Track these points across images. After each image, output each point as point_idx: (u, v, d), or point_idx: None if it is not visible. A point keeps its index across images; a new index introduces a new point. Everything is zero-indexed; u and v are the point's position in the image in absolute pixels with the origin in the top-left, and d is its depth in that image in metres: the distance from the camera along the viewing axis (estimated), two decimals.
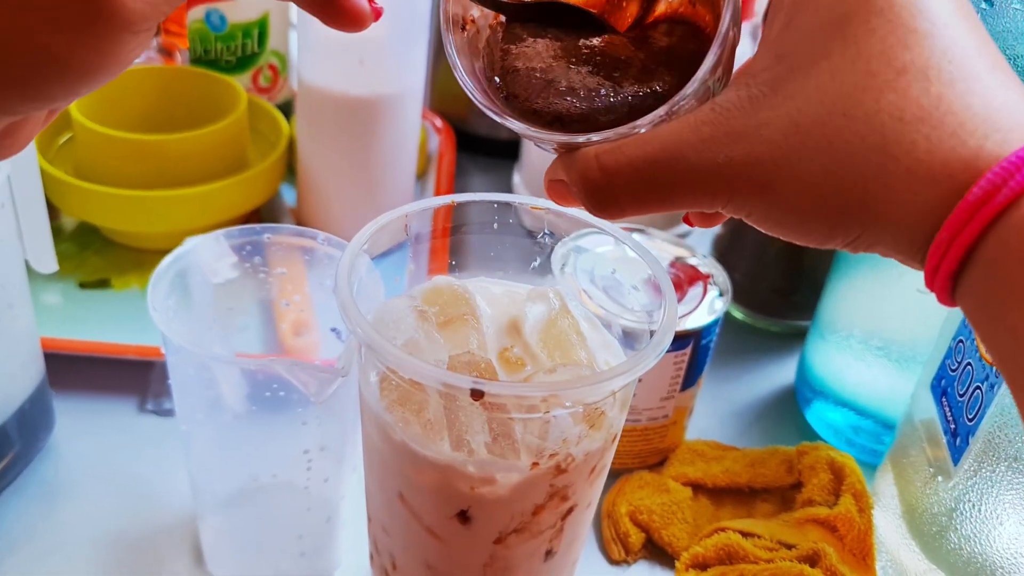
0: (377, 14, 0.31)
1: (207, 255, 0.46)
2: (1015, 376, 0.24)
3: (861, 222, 0.26)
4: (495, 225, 0.43)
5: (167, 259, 0.44)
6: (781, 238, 0.28)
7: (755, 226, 0.29)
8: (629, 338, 0.42)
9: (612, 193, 0.29)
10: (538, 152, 0.66)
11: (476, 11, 0.33)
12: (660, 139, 0.28)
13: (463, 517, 0.37)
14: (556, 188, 0.31)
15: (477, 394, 0.32)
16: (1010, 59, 0.46)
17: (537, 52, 0.32)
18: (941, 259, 0.25)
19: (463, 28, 0.32)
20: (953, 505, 0.46)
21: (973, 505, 0.45)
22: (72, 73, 0.26)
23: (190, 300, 0.46)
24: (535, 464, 0.35)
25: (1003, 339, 0.24)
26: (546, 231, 0.43)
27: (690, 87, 0.28)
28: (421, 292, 0.41)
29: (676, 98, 0.28)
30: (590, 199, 0.29)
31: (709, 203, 0.28)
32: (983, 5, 0.46)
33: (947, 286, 0.26)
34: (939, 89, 0.25)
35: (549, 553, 0.39)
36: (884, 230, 0.26)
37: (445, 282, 0.41)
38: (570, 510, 0.38)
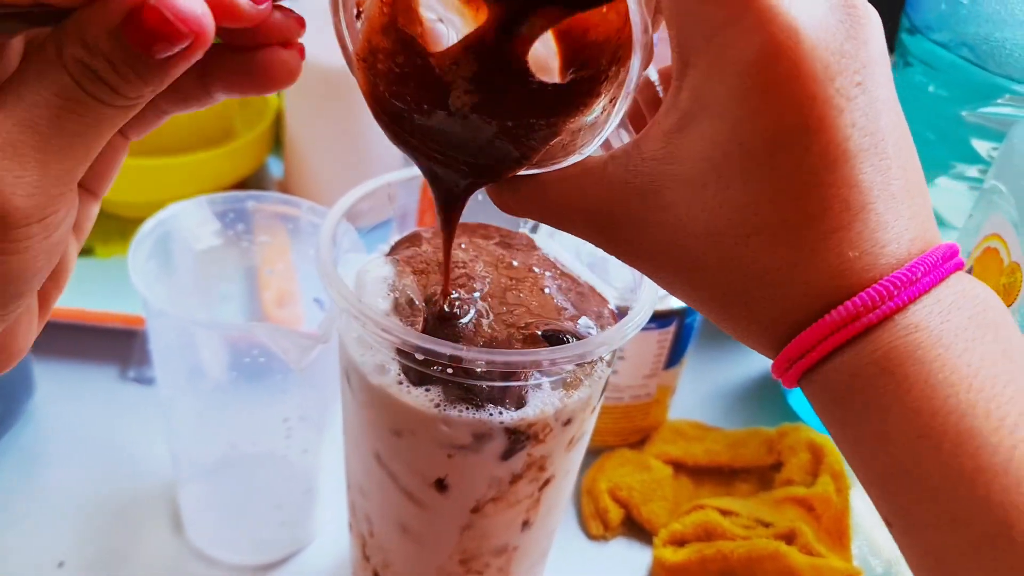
0: (301, 53, 0.27)
1: (189, 221, 0.46)
2: (867, 472, 0.26)
3: (733, 310, 0.27)
4: (479, 196, 0.43)
5: (149, 223, 0.44)
6: None
7: None
8: (620, 313, 0.42)
9: (514, 208, 0.31)
10: None
11: None
12: (555, 199, 0.29)
13: (440, 485, 0.37)
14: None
15: (456, 360, 0.33)
16: (997, 42, 0.46)
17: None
18: (799, 358, 0.26)
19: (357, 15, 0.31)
20: None
21: None
22: None
23: (172, 266, 0.46)
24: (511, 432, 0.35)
25: (846, 441, 0.26)
26: None
27: (591, 145, 0.29)
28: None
29: (576, 155, 0.29)
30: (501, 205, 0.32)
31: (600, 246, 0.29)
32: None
33: (797, 378, 0.27)
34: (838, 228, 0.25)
35: (526, 523, 0.40)
36: (746, 323, 0.27)
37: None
38: (547, 481, 0.38)
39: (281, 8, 0.26)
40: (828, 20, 0.25)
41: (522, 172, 0.30)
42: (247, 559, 0.49)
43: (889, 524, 0.26)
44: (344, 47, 0.31)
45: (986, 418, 0.24)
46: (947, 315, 0.25)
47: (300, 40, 0.26)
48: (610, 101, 0.29)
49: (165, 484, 0.53)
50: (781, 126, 0.24)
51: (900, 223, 0.25)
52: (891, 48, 0.57)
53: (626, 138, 0.32)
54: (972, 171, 0.53)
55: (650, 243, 0.27)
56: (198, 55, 0.23)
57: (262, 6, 0.24)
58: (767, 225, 0.25)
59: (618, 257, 0.29)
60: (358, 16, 0.31)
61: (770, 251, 0.25)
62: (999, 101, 0.48)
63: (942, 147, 0.53)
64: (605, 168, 0.28)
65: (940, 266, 0.25)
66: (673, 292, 0.28)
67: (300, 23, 0.26)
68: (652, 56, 0.27)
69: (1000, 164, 0.44)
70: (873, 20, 0.26)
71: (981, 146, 0.51)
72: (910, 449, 0.24)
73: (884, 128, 0.25)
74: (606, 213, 0.28)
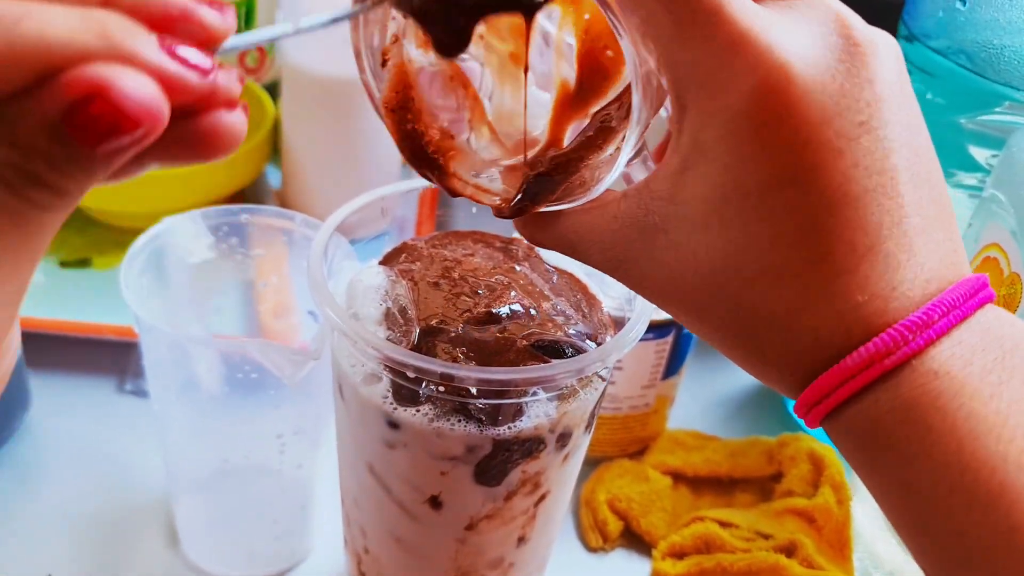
0: (246, 111, 0.24)
1: (183, 235, 0.45)
2: (892, 515, 0.25)
3: (746, 346, 0.27)
4: (473, 209, 0.43)
5: (142, 238, 0.44)
6: None
7: None
8: (616, 325, 0.42)
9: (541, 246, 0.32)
10: None
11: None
12: (571, 231, 0.29)
13: (434, 502, 0.37)
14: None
15: (447, 378, 0.32)
16: (995, 50, 0.46)
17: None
18: (826, 396, 0.25)
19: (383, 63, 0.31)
20: None
21: None
22: None
23: (166, 280, 0.46)
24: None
25: (884, 487, 0.25)
26: None
27: (603, 185, 0.29)
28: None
29: (591, 193, 0.29)
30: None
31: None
32: (958, 5, 0.46)
33: (823, 417, 0.26)
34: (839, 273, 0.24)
35: (522, 539, 0.39)
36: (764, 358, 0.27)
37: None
38: (543, 496, 0.38)
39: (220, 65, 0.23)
40: (825, 60, 0.24)
41: (544, 208, 0.30)
42: (242, 573, 0.49)
43: (924, 571, 0.25)
44: (371, 95, 0.32)
45: (1019, 471, 0.22)
46: (970, 358, 0.24)
47: (238, 97, 0.23)
48: (623, 138, 0.29)
49: (161, 497, 0.52)
50: (776, 171, 0.24)
51: (915, 262, 0.24)
52: None
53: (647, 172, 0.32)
54: (971, 179, 0.52)
55: (661, 280, 0.27)
56: (151, 140, 0.20)
57: (210, 77, 0.21)
58: (770, 268, 0.25)
59: (632, 290, 0.29)
60: (383, 64, 0.31)
61: (775, 295, 0.25)
62: (998, 109, 0.48)
63: (940, 155, 0.52)
64: (619, 205, 0.28)
65: (960, 305, 0.24)
66: (688, 328, 0.28)
67: (241, 79, 0.23)
68: (658, 91, 0.27)
69: (999, 173, 0.44)
70: (881, 55, 0.25)
71: (980, 154, 0.50)
72: (942, 505, 0.23)
73: (896, 166, 0.24)
74: (620, 248, 0.28)
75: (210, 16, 0.21)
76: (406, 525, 0.38)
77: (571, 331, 0.37)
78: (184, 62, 0.20)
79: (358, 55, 0.31)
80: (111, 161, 0.20)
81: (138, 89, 0.19)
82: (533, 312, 0.37)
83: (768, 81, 0.23)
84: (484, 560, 0.39)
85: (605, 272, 0.29)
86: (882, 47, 0.25)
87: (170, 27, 0.21)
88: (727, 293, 0.25)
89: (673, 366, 0.56)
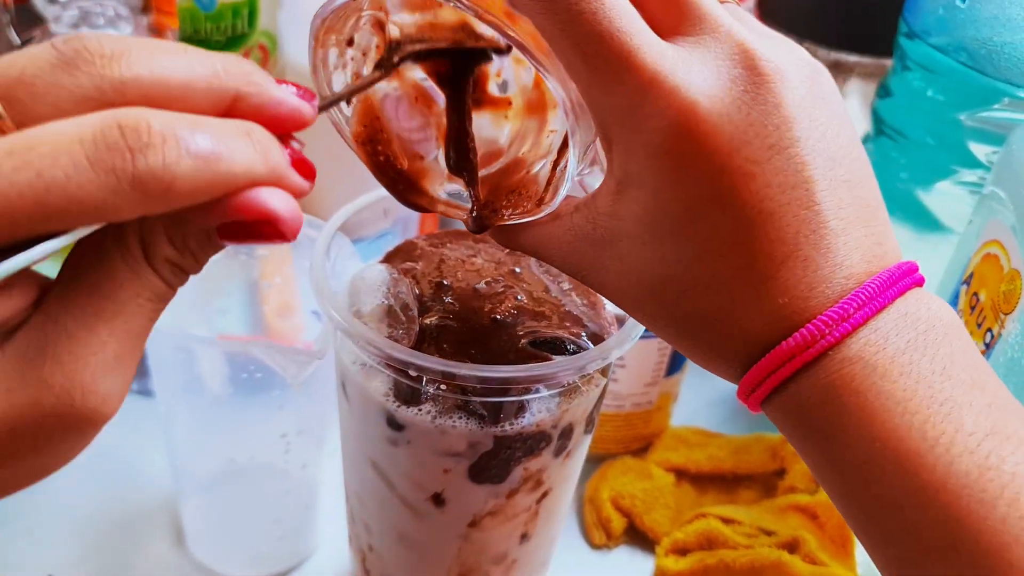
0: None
1: None
2: (826, 485, 0.28)
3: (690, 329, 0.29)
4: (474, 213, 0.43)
5: None
6: None
7: None
8: (619, 322, 0.42)
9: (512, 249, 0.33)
10: None
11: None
12: (534, 240, 0.31)
13: (437, 500, 0.37)
14: None
15: (449, 376, 0.33)
16: (995, 46, 0.46)
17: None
18: (762, 381, 0.27)
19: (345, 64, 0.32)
20: None
21: None
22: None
23: None
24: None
25: (818, 463, 0.28)
26: None
27: (558, 199, 0.31)
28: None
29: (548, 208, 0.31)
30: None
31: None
32: (958, 3, 0.46)
33: (760, 401, 0.28)
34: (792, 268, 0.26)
35: (525, 536, 0.39)
36: (712, 330, 0.28)
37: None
38: (545, 493, 0.38)
39: (292, 138, 0.26)
40: (730, 93, 0.26)
41: (506, 222, 0.32)
42: (248, 572, 0.49)
43: (860, 540, 0.28)
44: (340, 132, 0.33)
45: (922, 438, 0.25)
46: (883, 344, 0.26)
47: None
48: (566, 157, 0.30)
49: (167, 497, 0.53)
50: (696, 197, 0.26)
51: (833, 262, 0.26)
52: (889, 53, 0.57)
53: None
54: (971, 176, 0.53)
55: (613, 287, 0.29)
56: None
57: (315, 180, 0.25)
58: (700, 279, 0.27)
59: (595, 292, 0.31)
60: (348, 101, 0.33)
61: (707, 301, 0.27)
62: (997, 105, 0.48)
63: (941, 152, 0.53)
64: (572, 217, 0.30)
65: (877, 296, 0.26)
66: (643, 326, 0.31)
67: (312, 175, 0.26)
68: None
69: (999, 169, 0.44)
70: (788, 77, 0.26)
71: (980, 150, 0.50)
72: (857, 474, 0.26)
73: (810, 178, 0.26)
74: (575, 257, 0.30)
75: (307, 109, 0.24)
76: (410, 522, 0.38)
77: (573, 328, 0.37)
78: (304, 172, 0.24)
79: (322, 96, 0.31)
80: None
81: (292, 211, 0.23)
82: (535, 310, 0.38)
83: (679, 119, 0.25)
84: (487, 557, 0.39)
85: (570, 276, 0.31)
86: (788, 68, 0.26)
87: (279, 125, 0.24)
88: (667, 300, 0.28)
89: (676, 363, 0.56)
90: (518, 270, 0.40)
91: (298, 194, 0.23)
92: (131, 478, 0.54)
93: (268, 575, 0.50)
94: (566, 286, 0.40)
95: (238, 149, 0.22)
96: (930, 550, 0.25)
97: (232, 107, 0.23)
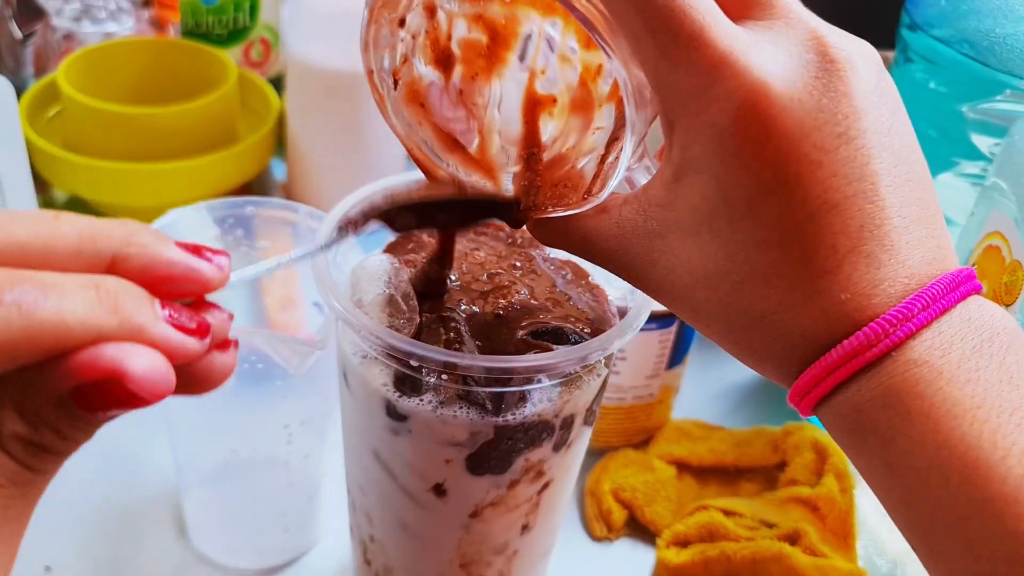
0: (236, 346, 0.25)
1: (189, 226, 0.46)
2: (882, 497, 0.27)
3: (747, 343, 0.28)
4: None
5: None
6: None
7: None
8: (621, 314, 0.42)
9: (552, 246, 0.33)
10: None
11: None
12: (579, 235, 0.31)
13: (439, 490, 0.37)
14: None
15: (450, 366, 0.33)
16: (997, 38, 0.46)
17: None
18: (815, 386, 0.26)
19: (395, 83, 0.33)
20: None
21: None
22: None
23: None
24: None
25: (873, 469, 0.26)
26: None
27: (606, 192, 0.30)
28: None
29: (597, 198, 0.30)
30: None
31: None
32: None
33: (814, 406, 0.27)
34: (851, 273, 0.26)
35: (526, 527, 0.40)
36: (768, 338, 0.27)
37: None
38: (546, 485, 0.38)
39: (212, 307, 0.24)
40: (802, 77, 0.25)
41: (550, 215, 0.32)
42: (250, 564, 0.49)
43: (915, 550, 0.26)
44: (385, 114, 0.34)
45: (992, 448, 0.24)
46: (949, 348, 0.25)
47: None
48: (621, 148, 0.30)
49: (169, 489, 0.53)
50: (759, 184, 0.25)
51: (896, 260, 0.25)
52: (891, 45, 0.57)
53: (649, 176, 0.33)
54: (974, 168, 0.53)
55: (660, 282, 0.28)
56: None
57: (207, 339, 0.23)
58: (757, 271, 0.26)
59: (636, 288, 0.30)
60: (395, 85, 0.33)
61: (763, 296, 0.26)
62: (1000, 97, 0.48)
63: (943, 144, 0.53)
64: (620, 210, 0.29)
65: (940, 299, 0.25)
66: (688, 324, 0.30)
67: (231, 317, 0.25)
68: (652, 102, 0.28)
69: (1001, 161, 0.44)
70: (858, 67, 0.26)
71: (982, 142, 0.50)
72: (919, 482, 0.25)
73: (876, 171, 0.25)
74: (621, 252, 0.29)
75: (209, 271, 0.23)
76: (411, 512, 0.38)
77: (575, 320, 0.37)
78: (187, 330, 0.22)
79: (371, 78, 0.32)
80: (108, 420, 0.21)
81: (150, 370, 0.20)
82: (536, 301, 0.38)
83: (748, 101, 0.25)
84: (489, 547, 0.39)
85: (611, 272, 0.30)
86: (859, 60, 0.26)
87: (173, 287, 0.22)
88: (720, 294, 0.27)
89: (677, 356, 0.56)
90: (520, 263, 0.40)
91: (178, 354, 0.22)
92: (133, 470, 0.54)
93: (270, 566, 0.50)
94: (569, 277, 0.40)
95: (70, 297, 0.20)
96: (996, 564, 0.24)
97: (112, 270, 0.22)
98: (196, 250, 0.23)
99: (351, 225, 0.31)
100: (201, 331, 0.22)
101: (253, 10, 0.79)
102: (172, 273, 0.22)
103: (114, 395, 0.20)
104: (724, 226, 0.26)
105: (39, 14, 0.77)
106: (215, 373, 0.24)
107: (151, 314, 0.21)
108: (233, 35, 0.79)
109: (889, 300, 0.25)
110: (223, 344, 0.25)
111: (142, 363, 0.20)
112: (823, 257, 0.25)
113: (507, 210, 0.33)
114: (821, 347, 0.26)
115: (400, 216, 0.32)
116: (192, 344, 0.22)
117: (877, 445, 0.25)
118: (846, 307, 0.25)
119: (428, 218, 0.34)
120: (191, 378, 0.24)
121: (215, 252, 0.24)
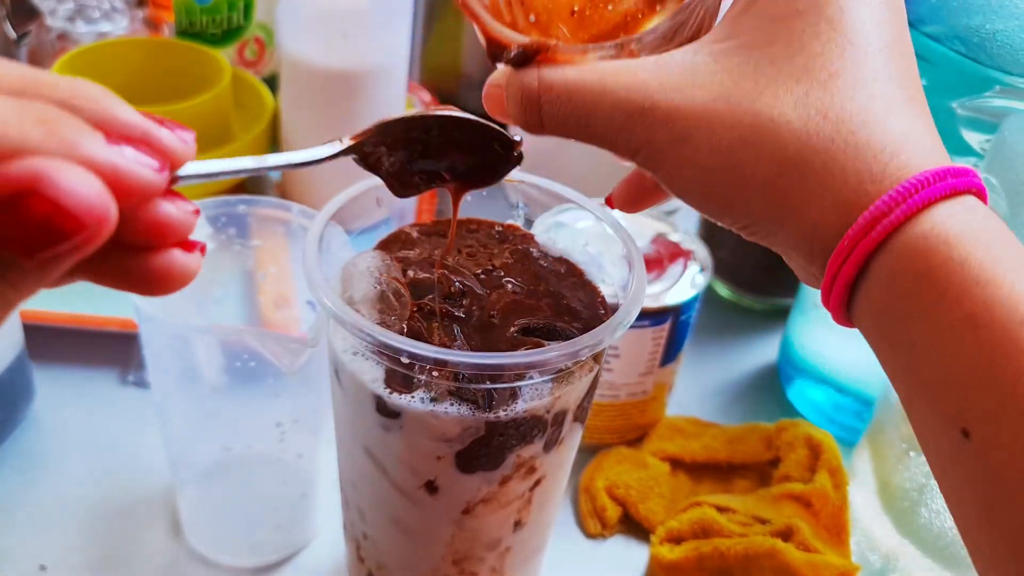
0: (203, 251, 0.23)
1: None
2: (911, 393, 0.26)
3: (765, 201, 0.28)
4: (468, 198, 0.43)
5: None
6: (686, 202, 0.30)
7: (665, 186, 0.30)
8: (613, 311, 0.42)
9: (540, 106, 0.29)
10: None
11: None
12: (599, 71, 0.29)
13: (430, 487, 0.37)
14: (493, 95, 0.32)
15: (441, 363, 0.33)
16: (988, 34, 0.46)
17: None
18: (841, 265, 0.27)
19: None
20: (924, 481, 0.46)
21: None
22: None
23: None
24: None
25: (900, 354, 0.26)
26: (521, 204, 0.43)
27: (649, 34, 0.30)
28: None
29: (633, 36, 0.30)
30: (519, 108, 0.30)
31: (626, 144, 0.29)
32: None
33: (844, 298, 0.27)
34: (863, 101, 0.27)
35: (518, 523, 0.40)
36: (787, 219, 0.28)
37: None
38: (538, 482, 0.38)
39: (175, 195, 0.21)
40: None
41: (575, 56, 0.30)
42: (245, 561, 0.50)
43: (963, 433, 0.25)
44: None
45: (1012, 304, 0.24)
46: (970, 217, 0.26)
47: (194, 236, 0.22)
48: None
49: (164, 487, 0.53)
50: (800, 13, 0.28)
51: (925, 125, 0.28)
52: None
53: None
54: (965, 164, 0.53)
55: (701, 110, 0.28)
56: (94, 247, 0.18)
57: (163, 174, 0.19)
58: (790, 124, 0.27)
59: (651, 132, 0.28)
60: None
61: (791, 158, 0.27)
62: (990, 93, 0.48)
63: None
64: (656, 59, 0.28)
65: (957, 175, 0.26)
66: (710, 210, 0.29)
67: (197, 212, 0.22)
68: None
69: (991, 157, 0.44)
70: None
71: (973, 138, 0.50)
72: (940, 323, 0.25)
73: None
74: (655, 85, 0.28)
75: (169, 139, 0.20)
76: (403, 508, 0.38)
77: (566, 316, 0.38)
78: (135, 159, 0.19)
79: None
80: (47, 273, 0.18)
81: (80, 184, 0.17)
82: (528, 298, 0.38)
83: None
84: (481, 543, 0.39)
85: (618, 120, 0.28)
86: None
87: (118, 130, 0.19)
88: (772, 112, 0.27)
89: (671, 353, 0.56)
90: (512, 260, 0.40)
91: (126, 181, 0.18)
92: (127, 468, 0.54)
93: (264, 564, 0.50)
94: (562, 273, 0.40)
95: None
96: None
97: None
98: (156, 117, 0.20)
99: (357, 140, 0.31)
100: (159, 159, 0.19)
101: (247, 9, 0.79)
102: (129, 132, 0.19)
103: (40, 217, 0.16)
104: (767, 66, 0.27)
105: (33, 14, 0.77)
106: (175, 271, 0.21)
107: (90, 136, 0.18)
108: (227, 34, 0.79)
109: (915, 167, 0.26)
110: (188, 245, 0.22)
111: (72, 177, 0.17)
112: (874, 105, 0.27)
113: (507, 143, 0.33)
114: (848, 217, 0.26)
115: (409, 139, 0.32)
116: (144, 172, 0.19)
117: (923, 306, 0.25)
118: (876, 165, 0.26)
119: (435, 151, 0.33)
120: (147, 272, 0.21)
121: (179, 125, 0.21)
